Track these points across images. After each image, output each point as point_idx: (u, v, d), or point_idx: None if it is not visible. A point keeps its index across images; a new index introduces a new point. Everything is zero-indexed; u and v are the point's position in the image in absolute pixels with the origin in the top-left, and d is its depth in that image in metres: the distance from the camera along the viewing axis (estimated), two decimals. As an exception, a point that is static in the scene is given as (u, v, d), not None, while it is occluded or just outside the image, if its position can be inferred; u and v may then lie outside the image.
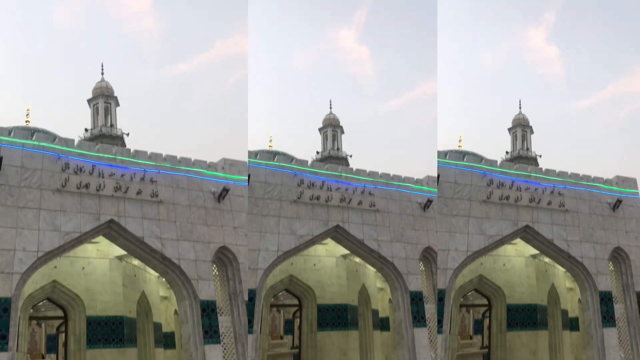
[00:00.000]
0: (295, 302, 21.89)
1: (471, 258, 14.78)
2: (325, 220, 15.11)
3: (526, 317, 20.51)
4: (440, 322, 13.92)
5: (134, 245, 13.30)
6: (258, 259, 13.92)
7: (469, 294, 21.76)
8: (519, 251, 20.93)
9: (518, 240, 18.15)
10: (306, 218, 14.81)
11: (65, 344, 17.60)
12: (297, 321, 22.99)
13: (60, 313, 18.04)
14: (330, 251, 21.30)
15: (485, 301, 21.34)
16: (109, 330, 17.38)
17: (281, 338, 27.09)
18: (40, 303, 18.43)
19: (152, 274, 19.79)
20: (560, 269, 22.59)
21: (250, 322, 13.64)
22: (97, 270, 17.58)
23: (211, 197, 14.19)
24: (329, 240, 18.01)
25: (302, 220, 14.69)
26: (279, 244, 14.20)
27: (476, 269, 20.35)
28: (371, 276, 24.26)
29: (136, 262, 18.08)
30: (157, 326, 20.75)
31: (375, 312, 25.18)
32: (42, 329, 23.93)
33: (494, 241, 14.93)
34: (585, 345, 16.43)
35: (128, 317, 18.09)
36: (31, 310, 17.92)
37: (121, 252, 16.86)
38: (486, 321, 22.23)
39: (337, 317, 21.30)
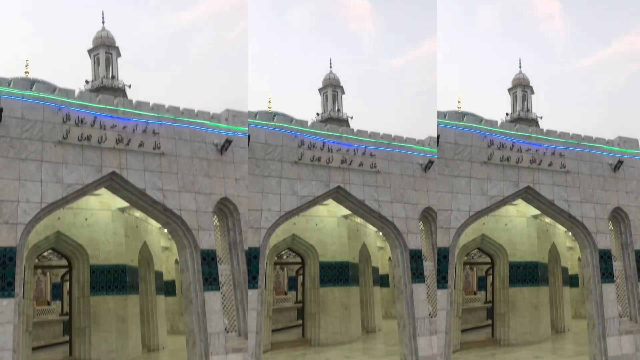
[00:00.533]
0: (298, 260, 22.40)
1: (473, 218, 14.82)
2: (326, 182, 15.23)
3: (528, 274, 20.95)
4: (445, 278, 14.08)
5: (136, 197, 13.39)
6: (261, 218, 14.05)
7: (472, 252, 22.18)
8: (520, 212, 21.17)
9: (519, 201, 18.22)
10: (307, 179, 14.90)
11: (70, 292, 18.00)
12: (300, 278, 23.61)
13: (64, 262, 18.38)
14: (331, 212, 21.60)
15: (488, 259, 21.78)
16: (111, 278, 17.72)
17: (285, 294, 27.80)
18: (45, 253, 18.77)
19: (153, 225, 20.08)
20: (560, 229, 22.87)
21: (255, 277, 13.83)
22: (100, 222, 17.83)
23: (214, 148, 14.25)
24: (330, 201, 18.14)
25: (303, 181, 14.80)
26: (281, 205, 14.35)
27: (479, 229, 20.62)
28: (371, 236, 24.58)
29: (138, 213, 18.33)
30: (159, 275, 21.20)
31: (375, 270, 25.63)
32: (47, 278, 24.38)
33: (495, 202, 14.95)
34: (584, 299, 16.72)
35: (130, 266, 18.44)
36: (36, 260, 18.25)
37: (123, 204, 17.07)
38: (489, 278, 22.84)
39: (338, 274, 21.68)
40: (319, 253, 21.37)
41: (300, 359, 17.64)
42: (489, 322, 21.60)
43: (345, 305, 21.70)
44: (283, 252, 22.55)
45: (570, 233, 24.36)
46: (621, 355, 16.16)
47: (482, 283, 25.59)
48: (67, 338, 18.77)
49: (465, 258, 21.56)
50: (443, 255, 14.21)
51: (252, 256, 13.94)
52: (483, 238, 20.77)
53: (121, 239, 18.12)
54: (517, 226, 21.29)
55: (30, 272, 16.87)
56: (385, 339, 21.75)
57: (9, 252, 11.28)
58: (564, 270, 24.87)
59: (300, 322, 22.39)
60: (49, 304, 23.57)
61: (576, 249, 29.24)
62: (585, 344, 17.61)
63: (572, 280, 27.52)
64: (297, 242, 21.40)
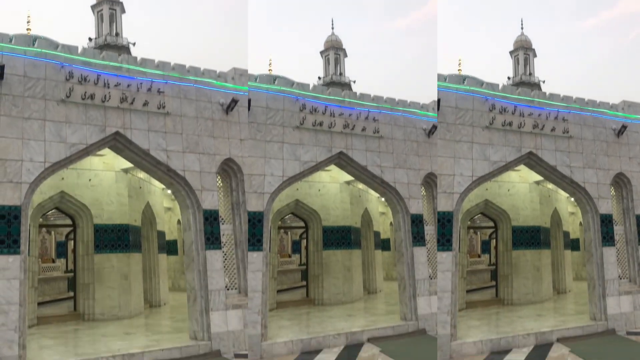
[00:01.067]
0: (302, 224, 22.62)
1: (476, 183, 14.77)
2: (328, 147, 15.15)
3: (530, 237, 21.24)
4: (449, 241, 14.16)
5: (140, 158, 13.36)
6: (264, 183, 14.05)
7: (476, 217, 22.39)
8: (523, 177, 21.25)
9: (521, 167, 18.23)
10: (309, 144, 14.82)
11: (74, 250, 18.21)
12: (303, 242, 23.96)
13: (68, 222, 18.54)
14: (334, 177, 21.71)
15: (491, 224, 22.11)
16: (115, 237, 17.90)
17: (289, 256, 28.40)
18: (50, 212, 18.90)
19: (156, 186, 20.18)
20: (562, 195, 22.95)
21: (260, 240, 13.92)
22: (104, 182, 17.93)
23: (219, 108, 14.16)
24: (332, 167, 18.17)
25: (305, 147, 14.74)
26: (284, 170, 14.32)
27: (482, 194, 20.73)
28: (373, 201, 24.70)
29: (142, 174, 18.42)
30: (161, 234, 21.42)
31: (377, 234, 25.87)
32: (52, 236, 24.62)
33: (497, 167, 14.90)
34: (585, 262, 16.88)
35: (133, 226, 18.59)
36: (41, 219, 18.39)
37: (127, 164, 17.14)
38: (493, 242, 23.19)
39: (341, 237, 21.90)
40: (321, 218, 21.58)
41: (304, 317, 17.90)
42: (493, 283, 22.14)
43: (348, 267, 21.95)
44: (287, 216, 22.79)
45: (572, 199, 24.55)
46: (620, 314, 16.39)
47: (486, 247, 26.08)
48: (71, 294, 19.13)
49: (469, 222, 21.74)
50: (447, 219, 14.16)
51: (257, 220, 13.97)
52: (486, 203, 20.92)
53: (124, 200, 18.24)
54: (520, 192, 21.47)
55: (35, 230, 17.03)
56: (385, 299, 22.11)
57: (14, 211, 11.35)
58: (566, 234, 25.15)
59: (304, 283, 22.89)
60: (53, 261, 23.94)
61: (578, 214, 29.40)
62: (586, 304, 17.99)
63: (573, 244, 27.89)
64: (300, 207, 21.56)
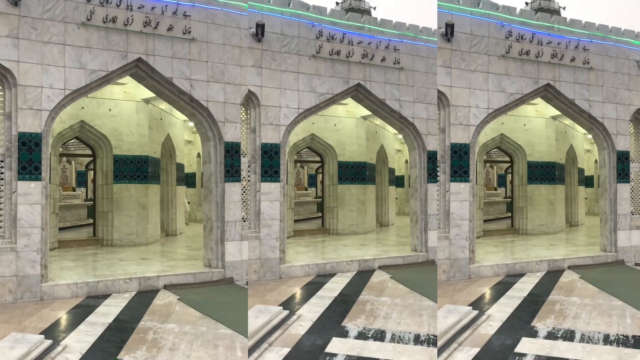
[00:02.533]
0: (318, 159, 22.73)
1: (492, 116, 14.37)
2: (345, 78, 14.70)
3: (545, 173, 21.44)
4: (467, 172, 14.10)
5: (162, 87, 12.90)
6: (280, 115, 13.78)
7: (492, 151, 22.53)
8: (539, 112, 21.11)
9: (538, 101, 18.02)
10: (326, 75, 14.36)
11: (94, 179, 18.36)
12: (319, 176, 24.21)
13: (88, 152, 18.62)
14: (350, 112, 21.59)
15: (507, 158, 22.31)
16: (134, 168, 17.99)
17: (306, 189, 28.80)
18: (70, 142, 18.99)
19: (178, 117, 20.16)
20: (579, 131, 22.74)
21: (277, 172, 13.82)
22: (124, 112, 17.91)
23: (248, 35, 13.53)
24: (349, 101, 17.97)
25: (321, 77, 14.30)
26: (299, 102, 13.97)
27: (498, 128, 20.68)
28: (390, 138, 24.62)
29: (163, 105, 18.37)
30: (180, 166, 21.57)
31: (391, 171, 25.92)
32: (72, 166, 24.81)
33: (514, 99, 14.48)
34: (598, 197, 16.90)
35: (152, 157, 18.66)
36: (61, 149, 18.49)
37: (148, 94, 17.05)
38: (508, 176, 23.59)
39: (356, 173, 21.96)
40: (337, 153, 21.60)
41: (320, 244, 18.26)
42: (509, 214, 22.98)
43: (362, 201, 22.10)
44: (303, 150, 22.88)
45: (589, 136, 24.35)
46: (630, 247, 16.41)
47: (502, 180, 26.46)
48: (91, 221, 19.43)
49: (485, 156, 21.85)
50: (464, 152, 13.93)
51: (273, 152, 13.81)
52: (502, 138, 20.95)
53: (144, 131, 18.25)
54: (536, 127, 21.38)
55: (56, 159, 17.13)
56: (397, 231, 22.42)
57: (35, 138, 11.28)
58: (580, 171, 25.17)
59: (319, 214, 23.51)
60: (74, 190, 24.22)
61: (594, 151, 29.20)
62: (597, 237, 18.57)
63: (587, 181, 27.96)
64: (316, 142, 21.59)
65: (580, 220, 24.80)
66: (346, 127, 21.80)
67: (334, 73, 14.68)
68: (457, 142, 13.91)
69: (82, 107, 17.27)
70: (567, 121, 21.44)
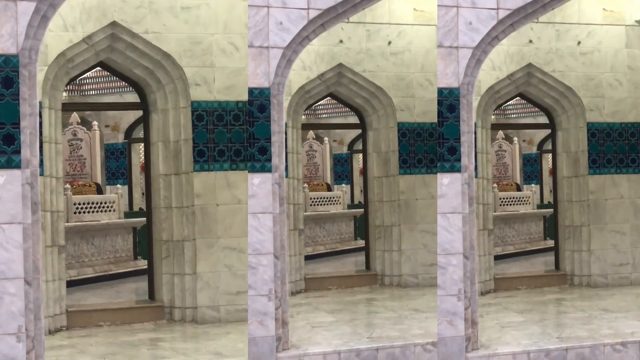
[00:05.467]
0: (354, 121, 13.22)
1: (507, 24, 7.30)
2: None
3: (629, 149, 11.87)
4: (454, 153, 6.72)
5: None
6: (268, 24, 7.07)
7: (509, 104, 13.92)
8: (614, 14, 11.52)
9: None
10: None
11: (363, 170, 11.51)
12: (358, 158, 15.74)
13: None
14: (425, 15, 11.49)
15: (542, 119, 12.65)
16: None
17: (328, 189, 19.25)
18: (321, 105, 13.18)
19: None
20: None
21: (266, 151, 8.21)
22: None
23: None
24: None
25: None
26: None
27: (521, 53, 10.98)
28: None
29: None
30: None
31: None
32: (325, 147, 16.38)
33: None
34: None
35: None
36: (303, 116, 12.12)
37: None
38: (547, 158, 15.13)
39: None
40: (395, 106, 11.22)
41: (363, 307, 10.11)
42: (549, 243, 13.43)
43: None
44: (320, 104, 12.99)
45: None
46: None
47: (532, 168, 15.01)
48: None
49: (493, 116, 12.24)
50: (449, 107, 7.34)
51: (258, 107, 7.51)
52: (530, 74, 11.51)
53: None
54: (606, 47, 11.56)
55: (296, 134, 10.93)
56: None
57: (259, 96, 6.49)
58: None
59: (359, 243, 14.22)
60: (328, 188, 15.85)
61: None
62: None
63: None
64: (348, 83, 10.49)
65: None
66: (416, 46, 11.60)
67: None
68: (442, 86, 7.03)
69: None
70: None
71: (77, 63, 8.00)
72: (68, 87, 10.55)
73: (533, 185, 14.76)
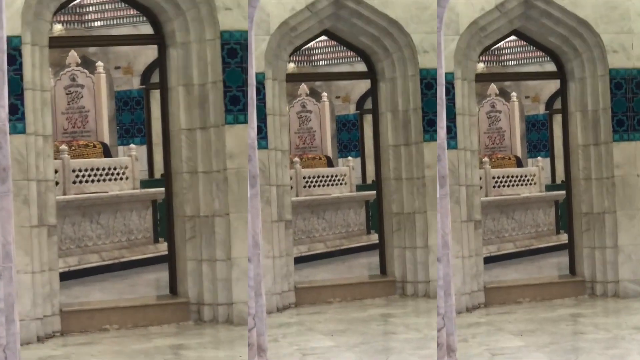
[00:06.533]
0: (362, 68, 12.21)
1: None
2: None
3: None
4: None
5: None
6: None
7: (503, 46, 9.76)
8: None
9: None
10: None
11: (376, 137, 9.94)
12: (368, 120, 13.81)
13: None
14: None
15: (548, 67, 7.39)
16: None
17: (328, 163, 16.91)
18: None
19: None
20: None
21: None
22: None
23: None
24: None
25: None
26: None
27: None
28: None
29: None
30: None
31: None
32: (325, 104, 13.18)
33: None
34: None
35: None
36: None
37: None
38: (556, 121, 12.50)
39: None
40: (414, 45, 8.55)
41: (380, 326, 8.75)
42: (561, 239, 10.63)
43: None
44: (313, 46, 11.41)
45: None
46: None
47: (537, 136, 12.05)
48: (365, 240, 11.06)
49: (483, 64, 10.44)
50: None
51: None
52: (528, 3, 6.52)
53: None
54: None
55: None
56: None
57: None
58: None
59: (372, 237, 13.95)
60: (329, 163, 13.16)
61: None
62: None
63: None
64: (351, 15, 8.33)
65: None
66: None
67: None
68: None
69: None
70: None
71: (300, 32, 7.69)
72: (295, 57, 9.77)
73: (540, 158, 11.58)
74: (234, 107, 6.68)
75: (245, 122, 6.27)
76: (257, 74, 6.65)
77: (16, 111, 6.02)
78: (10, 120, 5.42)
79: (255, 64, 6.75)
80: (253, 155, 4.86)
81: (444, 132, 4.55)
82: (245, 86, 6.51)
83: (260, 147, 6.55)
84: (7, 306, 4.03)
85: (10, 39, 5.39)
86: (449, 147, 6.45)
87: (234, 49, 6.71)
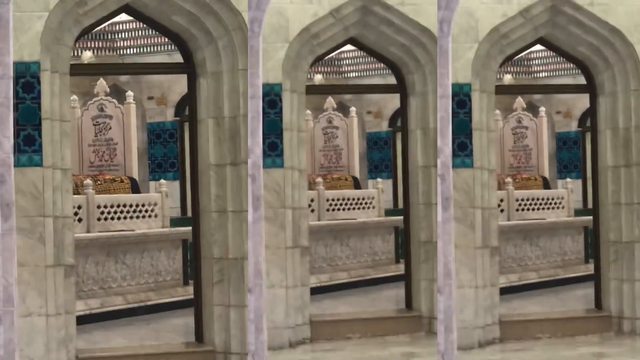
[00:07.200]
0: (389, 80, 12.15)
1: None
2: None
3: None
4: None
5: None
6: None
7: (528, 56, 10.15)
8: None
9: None
10: None
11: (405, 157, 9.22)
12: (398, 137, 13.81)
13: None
14: None
15: (577, 78, 9.16)
16: None
17: (349, 183, 17.48)
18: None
19: None
20: None
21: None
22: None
23: None
24: None
25: None
26: None
27: None
28: None
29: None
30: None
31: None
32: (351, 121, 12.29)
33: None
34: None
35: None
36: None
37: None
38: (586, 140, 13.26)
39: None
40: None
41: None
42: (587, 269, 10.19)
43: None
44: (345, 55, 12.12)
45: None
46: None
47: (566, 155, 11.99)
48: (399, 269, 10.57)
49: (501, 75, 9.84)
50: None
51: None
52: (555, 9, 7.56)
53: None
54: None
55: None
56: None
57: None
58: None
59: (400, 266, 13.93)
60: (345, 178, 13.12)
61: None
62: None
63: None
64: (374, 20, 8.08)
65: None
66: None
67: None
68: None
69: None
70: None
71: (323, 40, 7.08)
72: (320, 67, 9.37)
73: (570, 180, 11.00)
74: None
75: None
76: (273, 85, 6.57)
77: (33, 142, 5.73)
78: (26, 152, 5.35)
79: (272, 74, 6.50)
80: (257, 174, 4.53)
81: (449, 148, 4.20)
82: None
83: (275, 165, 6.51)
84: (8, 353, 3.82)
85: (28, 65, 5.57)
86: (464, 165, 6.20)
87: (266, 78, 6.83)
